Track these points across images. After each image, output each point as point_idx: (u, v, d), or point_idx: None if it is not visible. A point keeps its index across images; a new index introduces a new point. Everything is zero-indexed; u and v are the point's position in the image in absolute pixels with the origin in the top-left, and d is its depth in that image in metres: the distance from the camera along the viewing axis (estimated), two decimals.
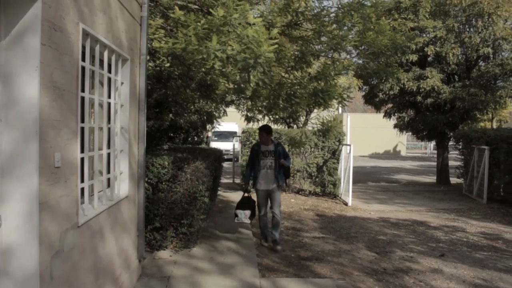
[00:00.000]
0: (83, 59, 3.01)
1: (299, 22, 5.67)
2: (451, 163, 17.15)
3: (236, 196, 11.73)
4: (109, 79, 3.80)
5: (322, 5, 5.28)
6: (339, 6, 5.43)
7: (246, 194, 7.02)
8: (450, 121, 16.12)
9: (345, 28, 4.99)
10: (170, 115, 9.07)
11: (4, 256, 2.26)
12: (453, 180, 16.48)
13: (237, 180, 14.69)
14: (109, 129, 3.87)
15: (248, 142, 12.40)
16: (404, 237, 8.02)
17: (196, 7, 5.48)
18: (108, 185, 3.88)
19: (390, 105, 18.06)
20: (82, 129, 3.07)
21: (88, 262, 3.15)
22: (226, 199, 11.12)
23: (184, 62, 5.68)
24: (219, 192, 11.03)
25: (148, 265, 5.28)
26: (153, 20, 5.20)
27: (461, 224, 9.37)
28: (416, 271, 5.97)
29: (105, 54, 3.56)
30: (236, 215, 6.82)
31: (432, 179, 18.28)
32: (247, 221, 6.88)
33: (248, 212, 6.81)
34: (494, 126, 29.85)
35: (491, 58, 15.57)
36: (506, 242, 7.92)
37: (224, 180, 13.89)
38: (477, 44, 14.70)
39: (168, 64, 6.46)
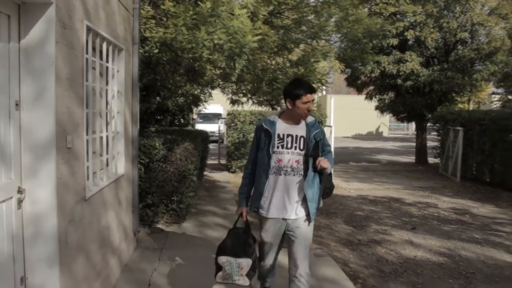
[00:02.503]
0: (87, 52, 3.38)
1: (281, 11, 6.05)
2: (430, 143, 17.81)
3: (221, 177, 12.23)
4: (107, 68, 4.17)
5: None
6: None
7: (239, 224, 3.63)
8: (429, 103, 16.71)
9: (323, 18, 5.39)
10: (158, 98, 9.41)
11: (29, 224, 2.67)
12: (431, 160, 17.14)
13: (223, 161, 15.10)
14: (106, 113, 4.26)
15: (233, 124, 12.79)
16: (380, 212, 8.58)
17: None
18: (107, 164, 4.28)
19: (371, 88, 18.57)
20: (87, 114, 3.45)
21: (94, 231, 3.58)
22: (212, 179, 11.56)
23: (172, 49, 6.03)
24: (205, 173, 11.46)
25: (142, 238, 5.71)
26: (145, 11, 5.54)
27: (434, 201, 9.98)
28: (389, 242, 6.52)
29: (104, 45, 3.93)
30: (219, 268, 3.45)
31: (412, 159, 18.96)
32: (244, 282, 3.41)
33: (244, 263, 3.40)
34: (471, 108, 30.66)
35: (469, 43, 16.10)
36: (472, 216, 8.54)
37: (209, 161, 14.32)
38: (455, 29, 15.21)
39: (156, 51, 6.78)
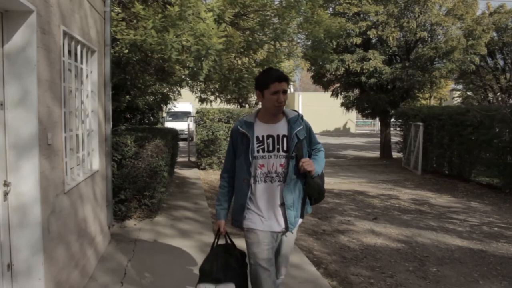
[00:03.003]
0: (63, 55, 3.61)
1: (246, 13, 6.37)
2: (395, 139, 18.49)
3: (191, 173, 12.45)
4: (81, 69, 4.39)
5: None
6: (281, 0, 6.18)
7: (218, 241, 3.19)
8: (392, 100, 17.36)
9: (285, 21, 5.74)
10: (127, 96, 9.58)
11: (15, 214, 2.90)
12: (395, 154, 17.82)
13: (193, 159, 15.32)
14: (81, 112, 4.48)
15: (202, 122, 13.03)
16: (345, 205, 9.02)
17: (155, 1, 6.07)
18: (83, 161, 4.50)
19: (337, 85, 19.12)
20: (64, 113, 3.68)
21: (72, 223, 3.81)
22: (182, 176, 11.79)
23: (142, 50, 6.26)
24: (175, 170, 11.68)
25: (116, 232, 5.94)
26: (115, 13, 5.75)
27: (396, 193, 10.50)
28: (351, 231, 6.94)
29: (78, 48, 4.16)
30: None
31: (377, 154, 19.59)
32: None
33: None
34: (432, 104, 31.75)
35: (428, 42, 16.81)
36: (430, 206, 9.08)
37: (179, 159, 14.52)
38: (414, 29, 15.86)
39: (126, 51, 6.98)
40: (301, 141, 2.95)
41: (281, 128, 2.96)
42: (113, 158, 6.09)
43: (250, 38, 5.93)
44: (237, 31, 6.10)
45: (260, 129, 2.95)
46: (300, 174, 2.92)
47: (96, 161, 4.84)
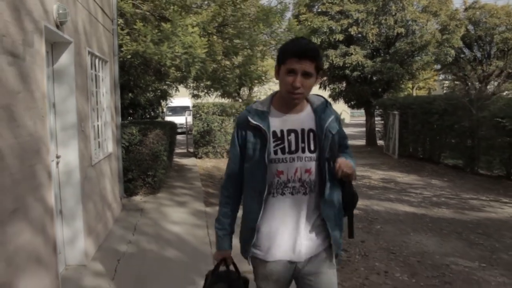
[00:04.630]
0: (90, 68, 5.08)
1: (226, 24, 7.82)
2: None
3: (189, 162, 13.93)
4: (97, 76, 5.86)
5: (242, 12, 7.46)
6: (256, 12, 7.63)
7: (219, 268, 2.34)
8: (374, 91, 18.82)
9: (255, 32, 7.19)
10: (130, 94, 11.02)
11: (64, 175, 4.37)
12: (380, 142, 19.26)
13: (191, 150, 16.77)
14: (97, 108, 5.94)
15: (198, 115, 14.46)
16: None
17: (152, 16, 7.50)
18: (99, 145, 5.98)
19: (324, 78, 20.56)
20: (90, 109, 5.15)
21: (97, 188, 5.29)
22: (180, 163, 13.26)
23: (142, 56, 7.70)
24: (174, 159, 13.14)
25: (126, 204, 7.42)
26: (120, 28, 7.19)
27: (369, 174, 11.96)
28: None
29: (96, 61, 5.62)
30: None
31: (364, 142, 21.02)
32: None
33: None
34: (415, 94, 33.18)
35: (406, 37, 18.23)
36: (396, 183, 10.56)
37: (179, 150, 16.00)
38: (393, 25, 17.29)
39: (129, 56, 8.43)
40: (334, 137, 2.15)
41: (305, 119, 2.15)
42: (122, 145, 7.54)
43: (229, 44, 7.38)
44: (219, 39, 7.54)
45: (278, 121, 2.14)
46: (336, 179, 2.13)
47: (110, 145, 6.33)
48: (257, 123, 2.09)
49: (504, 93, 21.51)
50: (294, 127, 2.12)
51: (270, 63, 11.79)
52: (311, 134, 2.12)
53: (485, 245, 5.95)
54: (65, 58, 4.29)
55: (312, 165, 2.12)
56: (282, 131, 2.11)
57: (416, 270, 5.02)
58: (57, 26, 3.82)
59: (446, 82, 33.93)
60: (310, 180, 2.11)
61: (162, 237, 5.72)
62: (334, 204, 2.17)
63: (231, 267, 2.32)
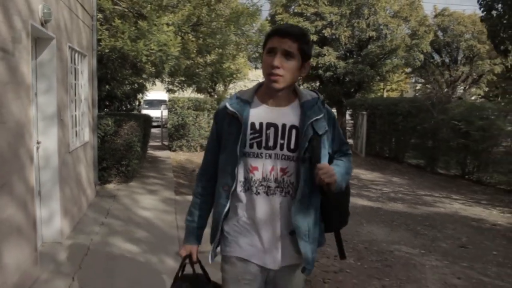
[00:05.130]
0: (70, 62, 5.48)
1: (200, 24, 8.27)
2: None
3: (163, 154, 14.32)
4: (76, 69, 6.25)
5: (216, 13, 7.93)
6: (229, 14, 8.11)
7: (183, 271, 2.22)
8: (346, 91, 19.54)
9: (227, 34, 7.67)
10: (107, 86, 11.34)
11: (44, 160, 4.78)
12: (350, 141, 19.97)
13: (166, 143, 17.13)
14: (76, 100, 6.33)
15: (173, 109, 14.84)
16: None
17: (130, 13, 7.89)
18: (76, 134, 6.37)
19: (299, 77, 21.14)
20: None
21: (73, 174, 5.70)
22: (154, 155, 13.64)
23: (120, 51, 8.09)
24: (149, 151, 13.51)
25: (100, 191, 7.81)
26: (99, 23, 7.56)
27: None
28: None
29: (75, 55, 6.01)
30: None
31: None
32: None
33: None
34: (385, 96, 34.21)
35: (377, 40, 18.98)
36: (359, 180, 11.20)
37: (153, 143, 16.36)
38: (365, 29, 18.00)
39: (107, 50, 8.79)
40: (319, 137, 1.97)
41: (290, 114, 2.00)
42: (98, 135, 7.92)
43: (202, 43, 7.84)
44: (193, 37, 7.98)
45: (259, 113, 2.00)
46: (316, 186, 1.94)
47: (87, 135, 6.72)
48: (234, 110, 1.97)
49: (473, 98, 22.56)
50: (274, 121, 1.97)
51: (241, 61, 12.31)
52: (293, 131, 1.96)
53: (428, 235, 6.59)
54: (47, 53, 4.70)
55: (290, 166, 1.97)
56: (261, 123, 1.97)
57: (363, 255, 5.60)
58: (42, 24, 4.23)
59: (418, 85, 35.01)
60: (287, 181, 1.98)
61: (133, 220, 6.17)
62: (308, 212, 1.97)
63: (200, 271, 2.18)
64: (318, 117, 1.96)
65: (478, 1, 10.53)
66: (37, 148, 4.69)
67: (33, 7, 3.95)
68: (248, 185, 1.99)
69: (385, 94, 34.34)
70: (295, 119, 1.97)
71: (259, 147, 1.96)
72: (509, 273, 5.17)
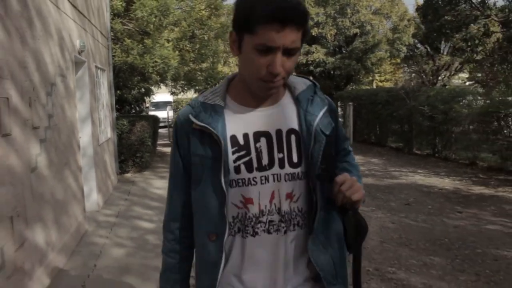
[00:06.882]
0: (96, 77, 7.26)
1: (194, 37, 10.04)
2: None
3: (169, 150, 15.94)
4: (98, 82, 8.03)
5: (208, 27, 9.68)
6: (218, 27, 9.86)
7: None
8: (336, 85, 21.20)
9: (216, 46, 9.42)
10: (118, 91, 13.15)
11: (82, 149, 6.55)
12: None
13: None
14: (98, 105, 8.12)
15: (177, 109, 16.61)
16: None
17: (137, 31, 9.66)
18: (102, 132, 8.14)
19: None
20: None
21: (102, 162, 7.49)
22: (163, 151, 15.45)
23: (131, 65, 9.90)
24: (158, 148, 15.31)
25: (120, 179, 9.61)
26: (114, 44, 9.34)
27: None
28: None
29: (98, 71, 7.80)
30: None
31: None
32: None
33: None
34: (375, 87, 35.76)
35: (361, 37, 20.63)
36: None
37: (162, 142, 18.17)
38: (349, 26, 19.65)
39: (120, 63, 10.59)
40: (329, 139, 1.37)
41: (284, 115, 1.37)
42: (116, 133, 9.69)
43: (197, 54, 9.59)
44: (189, 49, 9.75)
45: (239, 120, 1.35)
46: (332, 208, 1.35)
47: (109, 132, 8.52)
48: (203, 124, 1.29)
49: (457, 82, 24.05)
50: (264, 128, 1.33)
51: (234, 64, 14.04)
52: (293, 138, 1.34)
53: (383, 199, 8.28)
54: (82, 72, 6.48)
55: (297, 187, 1.33)
56: (246, 135, 1.32)
57: None
58: (79, 53, 6.01)
59: (413, 74, 36.45)
60: (295, 209, 1.34)
61: (149, 196, 7.98)
62: (331, 245, 1.38)
63: None
64: (322, 112, 1.34)
65: (416, 9, 12.09)
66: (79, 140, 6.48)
67: (74, 43, 5.73)
68: (239, 226, 1.34)
69: (375, 85, 35.99)
70: (293, 120, 1.35)
71: (249, 169, 1.31)
72: (434, 219, 6.87)
